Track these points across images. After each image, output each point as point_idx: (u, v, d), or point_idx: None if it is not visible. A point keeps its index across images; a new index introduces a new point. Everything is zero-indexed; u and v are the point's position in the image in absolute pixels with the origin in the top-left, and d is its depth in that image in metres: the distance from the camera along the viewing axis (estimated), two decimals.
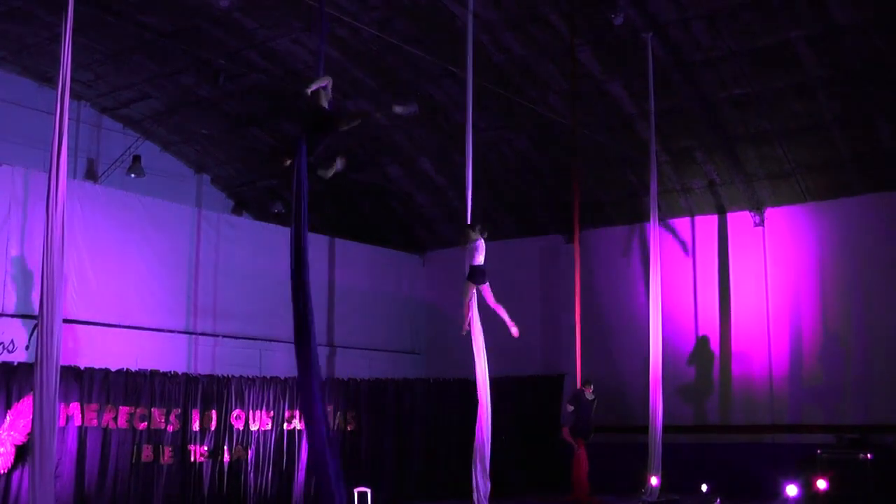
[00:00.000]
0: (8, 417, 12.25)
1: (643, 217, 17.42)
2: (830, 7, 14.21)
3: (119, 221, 16.00)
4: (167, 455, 13.80)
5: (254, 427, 14.85)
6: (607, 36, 15.64)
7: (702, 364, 17.91)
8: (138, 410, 13.54)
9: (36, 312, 9.36)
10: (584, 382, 15.69)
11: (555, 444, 16.89)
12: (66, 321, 11.48)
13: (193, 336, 16.86)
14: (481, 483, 12.32)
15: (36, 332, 9.26)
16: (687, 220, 18.54)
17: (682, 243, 18.45)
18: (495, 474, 12.85)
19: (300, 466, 15.24)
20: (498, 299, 12.40)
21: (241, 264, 17.74)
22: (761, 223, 17.67)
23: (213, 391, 14.48)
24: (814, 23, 14.57)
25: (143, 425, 13.58)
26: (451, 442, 17.48)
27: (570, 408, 15.96)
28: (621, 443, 16.91)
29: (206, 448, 14.26)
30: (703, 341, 18.00)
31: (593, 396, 15.75)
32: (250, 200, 21.77)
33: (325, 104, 10.09)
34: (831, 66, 15.26)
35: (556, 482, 16.90)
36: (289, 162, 9.95)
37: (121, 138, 19.01)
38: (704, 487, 16.01)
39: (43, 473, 8.66)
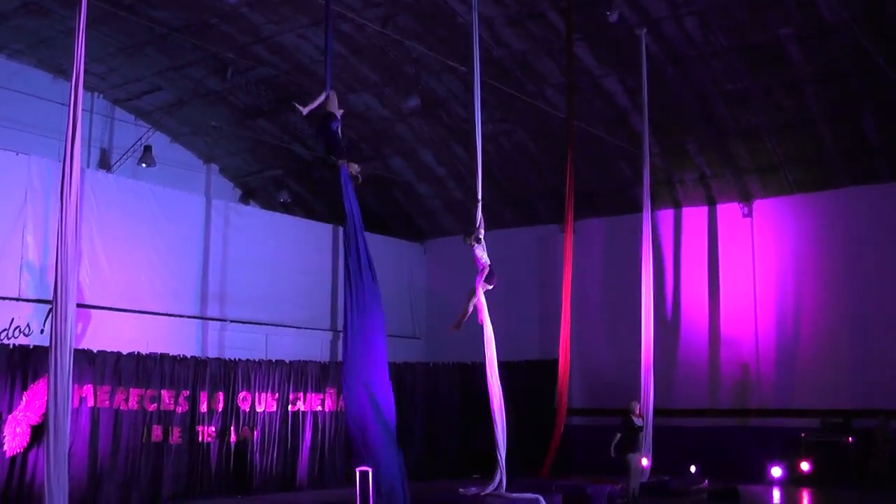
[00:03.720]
0: (24, 399, 12.49)
1: (636, 208, 17.76)
2: (819, 6, 14.56)
3: (131, 210, 16.29)
4: (176, 435, 14.11)
5: (259, 409, 15.19)
6: (603, 32, 16.01)
7: (692, 350, 18.29)
8: (148, 392, 13.81)
9: (51, 297, 9.57)
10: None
11: (549, 428, 17.22)
12: (79, 306, 11.86)
13: (202, 321, 17.21)
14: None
15: (50, 316, 9.53)
16: (678, 210, 18.92)
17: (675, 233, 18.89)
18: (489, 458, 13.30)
19: (304, 446, 15.68)
20: (497, 286, 12.96)
21: (249, 251, 18.10)
22: (750, 214, 18.04)
23: (220, 374, 14.82)
24: (803, 21, 14.94)
25: (153, 407, 13.86)
26: (450, 422, 17.98)
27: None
28: (614, 425, 17.27)
29: (213, 429, 14.61)
30: (693, 328, 18.47)
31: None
32: (257, 189, 22.22)
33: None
34: (819, 62, 15.62)
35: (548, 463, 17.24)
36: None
37: (132, 129, 19.39)
38: (693, 469, 16.43)
39: (57, 452, 8.88)
